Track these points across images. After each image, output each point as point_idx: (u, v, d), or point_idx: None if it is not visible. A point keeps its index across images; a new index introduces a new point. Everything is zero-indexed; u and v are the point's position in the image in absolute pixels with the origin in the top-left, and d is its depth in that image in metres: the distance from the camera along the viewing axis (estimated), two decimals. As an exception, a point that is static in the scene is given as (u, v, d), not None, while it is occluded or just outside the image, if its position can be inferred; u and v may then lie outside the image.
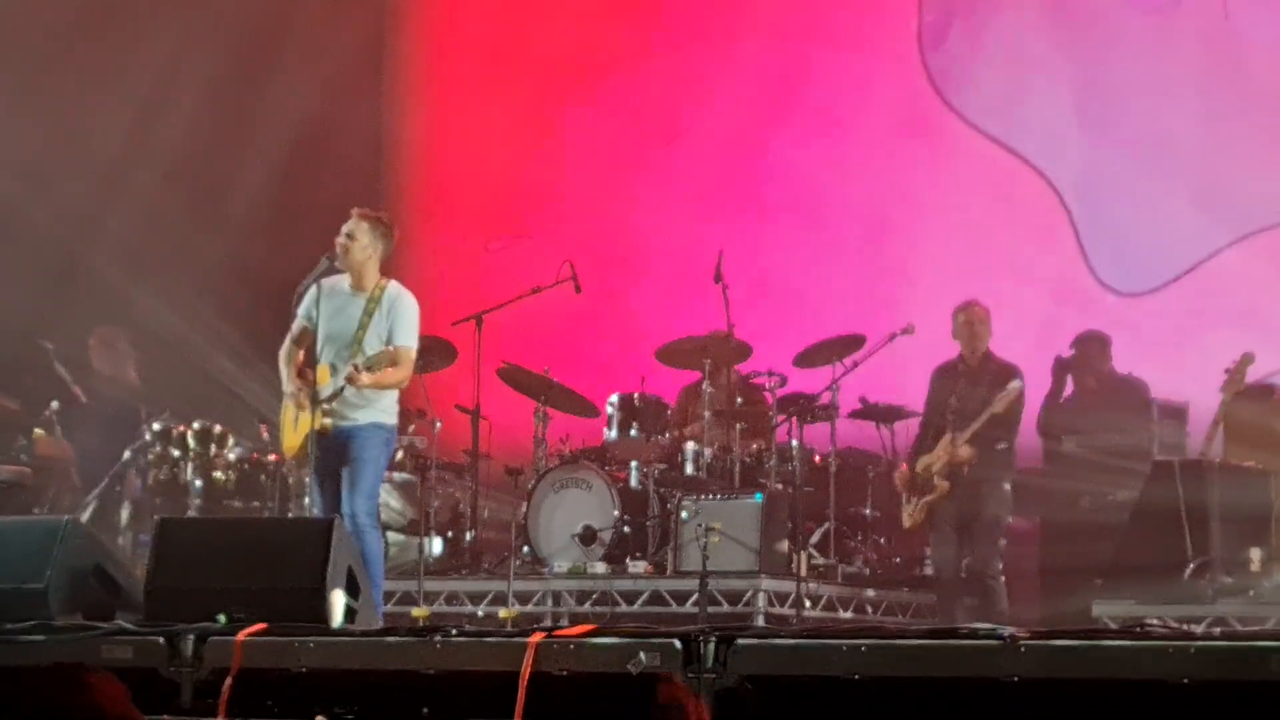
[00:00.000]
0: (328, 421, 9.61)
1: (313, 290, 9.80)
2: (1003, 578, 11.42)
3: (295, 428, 9.80)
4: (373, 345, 9.64)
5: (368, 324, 9.72)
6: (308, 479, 11.15)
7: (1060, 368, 12.42)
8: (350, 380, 9.53)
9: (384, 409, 9.79)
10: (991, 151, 14.20)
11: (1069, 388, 12.36)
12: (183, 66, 14.48)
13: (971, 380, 11.63)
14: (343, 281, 9.88)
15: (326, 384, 9.65)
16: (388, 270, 10.10)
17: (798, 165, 14.77)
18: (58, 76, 13.84)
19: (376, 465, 9.76)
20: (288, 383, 9.87)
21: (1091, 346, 12.45)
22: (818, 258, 14.59)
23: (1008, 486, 11.56)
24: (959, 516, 11.50)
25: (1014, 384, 11.35)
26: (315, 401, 9.59)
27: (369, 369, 9.50)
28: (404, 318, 9.77)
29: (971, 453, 11.37)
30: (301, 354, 9.89)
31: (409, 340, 9.77)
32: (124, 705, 3.11)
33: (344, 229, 9.85)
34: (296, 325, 9.92)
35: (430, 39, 16.65)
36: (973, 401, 11.52)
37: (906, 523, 11.69)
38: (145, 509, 12.60)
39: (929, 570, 12.06)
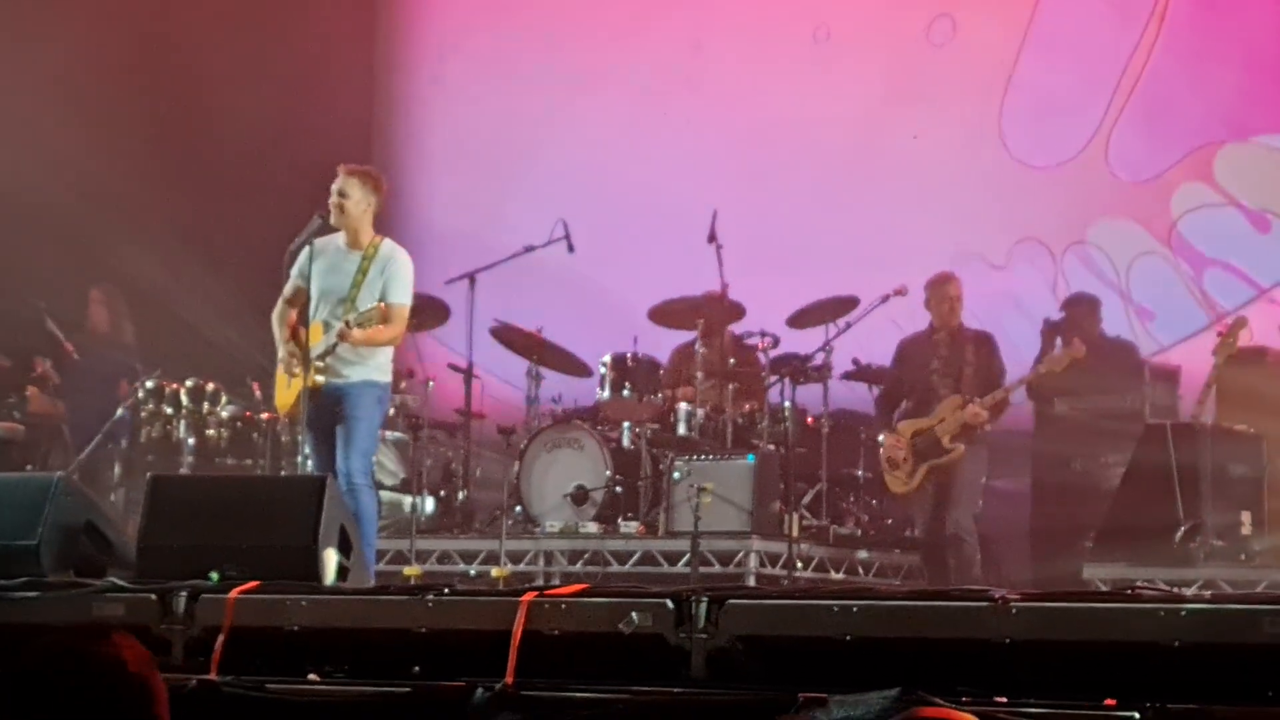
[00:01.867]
0: (320, 379, 9.61)
1: (306, 249, 9.79)
2: (974, 537, 11.48)
3: (290, 386, 9.81)
4: (366, 302, 9.63)
5: (362, 281, 9.72)
6: (300, 437, 11.16)
7: (1050, 330, 12.45)
8: (342, 336, 9.53)
9: (377, 366, 9.79)
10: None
11: (1058, 350, 12.38)
12: (175, 23, 14.43)
13: (953, 346, 11.68)
14: (337, 239, 9.88)
15: (320, 341, 9.65)
16: (380, 227, 10.09)
17: (793, 122, 14.72)
18: (50, 34, 13.78)
19: (370, 423, 9.76)
20: (281, 342, 9.87)
21: (1081, 308, 12.49)
22: (812, 217, 14.56)
23: (984, 449, 11.62)
24: (936, 475, 11.54)
25: (1068, 348, 11.40)
26: (307, 359, 9.59)
27: (360, 325, 9.50)
28: (398, 275, 9.77)
29: (987, 415, 11.43)
30: (294, 314, 9.88)
31: (403, 298, 9.77)
32: (148, 666, 3.15)
33: (334, 188, 9.82)
34: (290, 285, 9.92)
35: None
36: (962, 365, 11.56)
37: (901, 488, 11.67)
38: (137, 466, 12.61)
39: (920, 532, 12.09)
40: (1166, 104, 13.52)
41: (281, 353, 9.87)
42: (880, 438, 11.79)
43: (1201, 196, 13.33)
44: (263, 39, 14.63)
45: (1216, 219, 13.27)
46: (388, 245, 9.90)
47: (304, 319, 9.77)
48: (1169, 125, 13.48)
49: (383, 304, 9.60)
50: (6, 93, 13.29)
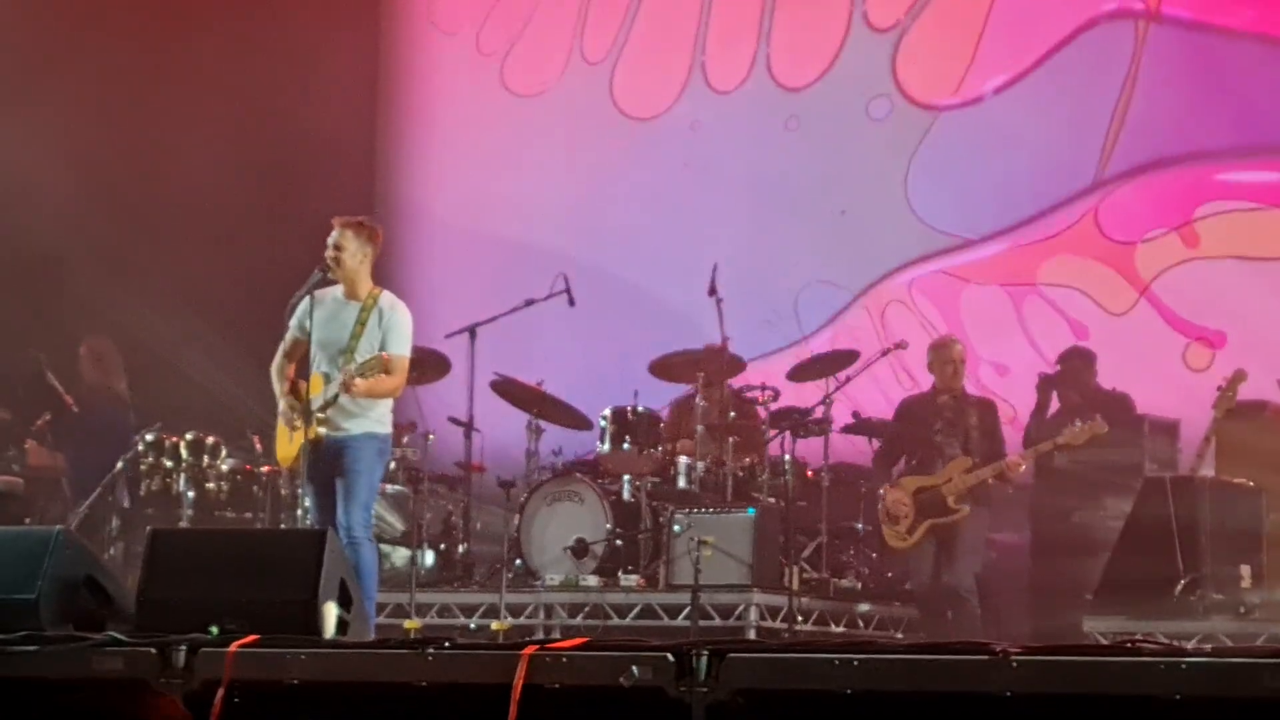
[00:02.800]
0: (322, 431, 9.62)
1: (305, 302, 9.81)
2: (975, 596, 11.46)
3: (291, 439, 9.80)
4: (365, 353, 9.63)
5: (361, 332, 9.73)
6: (300, 490, 11.16)
7: (1045, 384, 12.48)
8: (345, 387, 9.53)
9: (378, 419, 9.79)
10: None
11: (1054, 403, 12.40)
12: (173, 74, 14.48)
13: (956, 410, 11.68)
14: (335, 290, 9.89)
15: (320, 393, 9.66)
16: (380, 279, 10.11)
17: (795, 176, 14.77)
18: (46, 85, 13.84)
19: (370, 476, 9.76)
20: (281, 395, 9.88)
21: (1076, 362, 12.54)
22: (812, 271, 14.59)
23: (987, 510, 11.61)
24: (939, 533, 11.52)
25: (1090, 423, 11.38)
26: (308, 411, 9.60)
27: (361, 375, 9.51)
28: (397, 327, 9.78)
29: (1024, 469, 11.46)
30: (293, 367, 9.89)
31: (402, 349, 9.78)
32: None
33: (330, 241, 9.83)
34: (288, 337, 9.93)
35: (424, 48, 16.65)
36: (968, 429, 11.57)
37: (899, 543, 11.66)
38: (136, 519, 12.61)
39: (920, 585, 12.09)
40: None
41: (282, 405, 9.88)
42: (881, 491, 11.78)
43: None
44: (266, 94, 14.68)
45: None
46: (387, 297, 9.91)
47: (303, 371, 9.78)
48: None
49: (383, 354, 9.61)
50: (9, 146, 13.34)
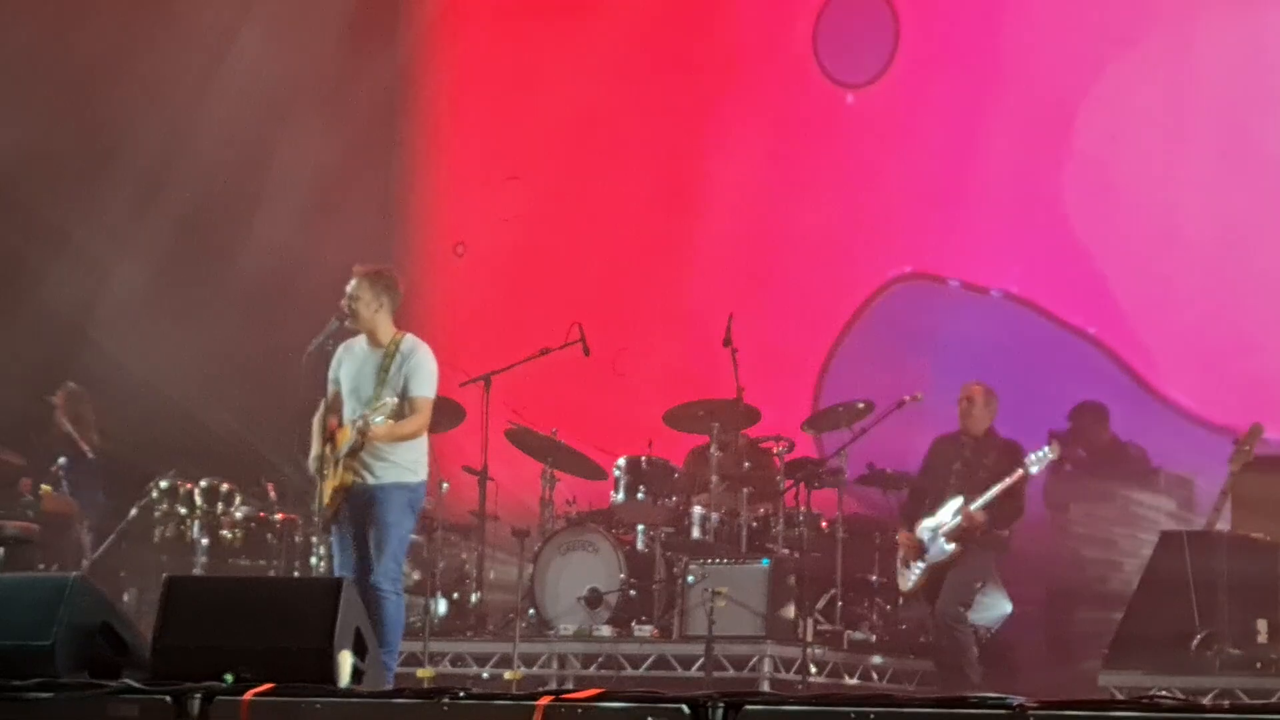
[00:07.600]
0: (349, 477, 9.65)
1: (338, 353, 9.89)
2: (970, 629, 11.38)
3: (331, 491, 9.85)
4: (388, 399, 9.68)
5: (384, 379, 9.77)
6: (314, 538, 11.18)
7: (1054, 440, 12.44)
8: (361, 439, 9.56)
9: (408, 466, 9.81)
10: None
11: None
12: (195, 122, 14.54)
13: (977, 451, 11.63)
14: (362, 339, 9.96)
15: (346, 441, 9.69)
16: (401, 327, 10.14)
17: (809, 227, 14.80)
18: (71, 129, 13.90)
19: (400, 528, 9.77)
20: (317, 446, 9.90)
21: (1086, 418, 12.52)
22: (828, 320, 14.61)
23: (988, 554, 11.53)
24: (932, 574, 11.47)
25: (1023, 470, 11.30)
26: (334, 460, 9.64)
27: (369, 426, 9.55)
28: (419, 369, 9.83)
29: (985, 518, 11.34)
30: (334, 419, 9.92)
31: (425, 391, 9.82)
32: None
33: (347, 291, 9.90)
34: (329, 390, 9.98)
35: (444, 100, 16.71)
36: (979, 470, 11.53)
37: (905, 586, 11.65)
38: (150, 566, 12.60)
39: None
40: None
41: (312, 454, 9.91)
42: (899, 536, 11.74)
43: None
44: (286, 140, 14.72)
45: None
46: (408, 341, 9.95)
47: (341, 422, 9.85)
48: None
49: (391, 399, 9.62)
50: (30, 189, 13.39)
